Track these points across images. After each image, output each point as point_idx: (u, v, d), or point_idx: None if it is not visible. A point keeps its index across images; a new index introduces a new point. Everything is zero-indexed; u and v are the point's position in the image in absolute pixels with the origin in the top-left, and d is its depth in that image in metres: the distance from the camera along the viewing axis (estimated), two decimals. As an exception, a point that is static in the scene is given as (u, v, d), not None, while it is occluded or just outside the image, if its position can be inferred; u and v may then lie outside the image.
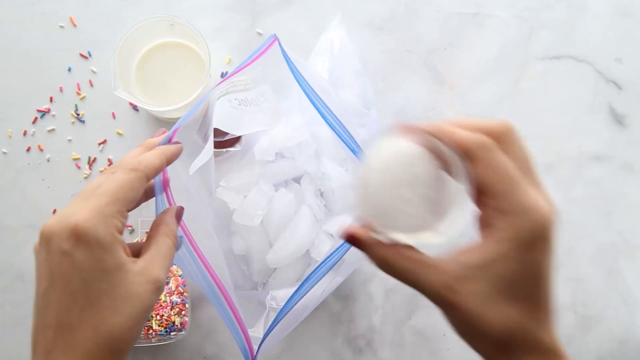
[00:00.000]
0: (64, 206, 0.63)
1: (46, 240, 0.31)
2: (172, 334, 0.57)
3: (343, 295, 0.62)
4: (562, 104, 0.66)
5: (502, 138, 0.28)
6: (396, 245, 0.30)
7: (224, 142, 0.62)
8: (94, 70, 0.63)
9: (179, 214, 0.37)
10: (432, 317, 0.62)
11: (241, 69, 0.41)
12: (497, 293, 0.28)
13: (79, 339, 0.29)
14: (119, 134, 0.63)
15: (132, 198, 0.32)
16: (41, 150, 0.62)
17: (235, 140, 0.59)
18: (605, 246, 0.65)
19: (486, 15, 0.66)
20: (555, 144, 0.66)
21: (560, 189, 0.65)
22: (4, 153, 0.62)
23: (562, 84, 0.66)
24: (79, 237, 0.30)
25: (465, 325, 0.30)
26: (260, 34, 0.65)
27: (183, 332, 0.58)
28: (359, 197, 0.29)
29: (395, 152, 0.29)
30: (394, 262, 0.31)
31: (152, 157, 0.34)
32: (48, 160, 0.62)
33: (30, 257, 0.62)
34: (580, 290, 0.64)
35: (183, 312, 0.58)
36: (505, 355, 0.29)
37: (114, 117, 0.63)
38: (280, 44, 0.42)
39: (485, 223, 0.29)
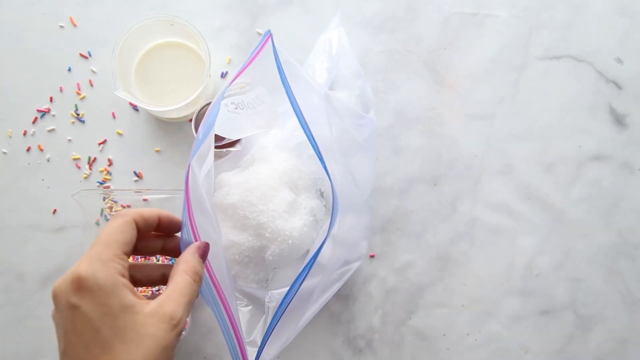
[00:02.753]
0: (63, 206, 0.63)
1: (55, 300, 0.31)
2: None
3: (343, 295, 0.62)
4: (562, 104, 0.66)
5: None
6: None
7: (224, 143, 0.62)
8: (94, 70, 0.63)
9: (203, 251, 0.37)
10: (432, 317, 0.62)
11: (243, 70, 0.41)
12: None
13: None
14: (119, 134, 0.63)
15: (124, 240, 0.34)
16: (41, 150, 0.62)
17: (236, 141, 0.59)
18: (605, 246, 0.65)
19: (486, 15, 0.66)
20: (555, 144, 0.66)
21: (560, 189, 0.65)
22: (4, 153, 0.62)
23: (562, 84, 0.66)
24: (82, 286, 0.30)
25: None
26: (260, 34, 0.65)
27: (183, 332, 0.58)
28: None
29: None
30: None
31: (144, 210, 0.36)
32: (48, 160, 0.62)
33: (30, 257, 0.63)
34: (580, 290, 0.64)
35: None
36: None
37: (114, 117, 0.63)
38: (272, 41, 0.42)
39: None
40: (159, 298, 0.32)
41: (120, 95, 0.54)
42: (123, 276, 0.32)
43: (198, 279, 0.35)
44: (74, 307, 0.30)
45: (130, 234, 0.34)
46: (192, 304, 0.34)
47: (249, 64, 0.41)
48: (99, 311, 0.30)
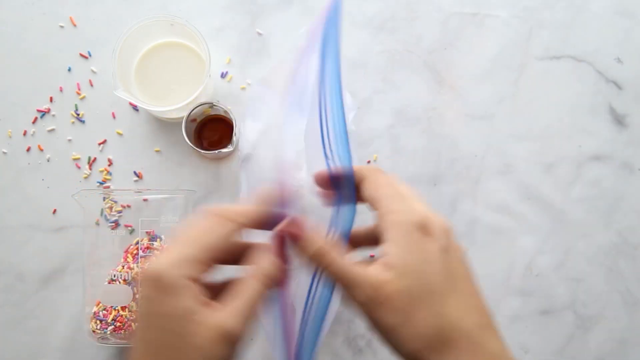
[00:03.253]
0: (63, 206, 0.63)
1: (140, 284, 0.32)
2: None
3: (343, 295, 0.62)
4: (562, 104, 0.66)
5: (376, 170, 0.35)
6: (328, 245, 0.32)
7: (215, 142, 0.62)
8: (94, 70, 0.63)
9: (281, 241, 0.34)
10: (432, 317, 0.62)
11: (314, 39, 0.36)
12: (419, 294, 0.30)
13: None
14: (119, 134, 0.63)
15: (211, 243, 0.31)
16: (41, 150, 0.62)
17: (228, 140, 0.59)
18: (605, 246, 0.65)
19: (486, 15, 0.66)
20: (555, 144, 0.66)
21: (560, 189, 0.65)
22: (4, 153, 0.62)
23: (562, 84, 0.66)
24: (155, 281, 0.29)
25: (396, 332, 0.30)
26: (260, 34, 0.65)
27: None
28: None
29: None
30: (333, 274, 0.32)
31: (246, 206, 0.33)
32: (48, 160, 0.62)
33: (30, 257, 0.63)
34: (580, 290, 0.64)
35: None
36: (437, 355, 0.29)
37: (114, 117, 0.63)
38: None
39: (383, 240, 0.32)
40: (220, 306, 0.30)
41: (120, 95, 0.54)
42: (195, 281, 0.30)
43: (269, 283, 0.32)
44: (147, 299, 0.30)
45: (221, 238, 0.32)
46: (257, 313, 0.32)
47: (321, 28, 0.36)
48: (164, 310, 0.29)
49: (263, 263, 0.33)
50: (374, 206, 0.33)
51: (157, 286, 0.29)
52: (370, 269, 0.30)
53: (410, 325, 0.29)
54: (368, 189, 0.34)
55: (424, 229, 0.31)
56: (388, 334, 0.30)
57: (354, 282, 0.30)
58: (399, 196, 0.33)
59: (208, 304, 0.30)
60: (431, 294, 0.30)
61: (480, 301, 0.31)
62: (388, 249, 0.31)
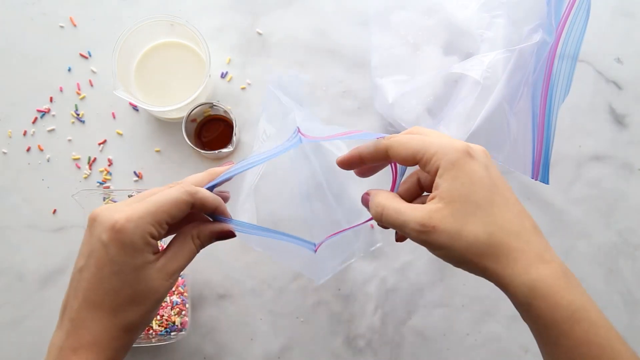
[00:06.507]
0: (63, 206, 0.63)
1: (91, 224, 0.36)
2: (172, 334, 0.57)
3: (343, 295, 0.62)
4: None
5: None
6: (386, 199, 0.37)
7: (215, 142, 0.62)
8: (94, 70, 0.63)
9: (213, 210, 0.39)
10: (432, 317, 0.62)
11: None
12: (465, 216, 0.33)
13: (100, 316, 0.35)
14: (119, 134, 0.63)
15: (174, 215, 0.36)
16: (41, 150, 0.62)
17: (228, 140, 0.59)
18: (605, 246, 0.65)
19: (486, 15, 0.66)
20: (555, 144, 0.65)
21: (560, 189, 0.65)
22: (4, 153, 0.62)
23: (562, 84, 0.66)
24: (116, 233, 0.34)
25: (450, 248, 0.34)
26: (260, 34, 0.65)
27: (183, 332, 0.58)
28: None
29: None
30: (384, 211, 0.37)
31: (209, 197, 0.38)
32: (48, 160, 0.62)
33: (30, 257, 0.63)
34: (580, 290, 0.64)
35: (183, 312, 0.58)
36: (493, 263, 0.33)
37: (114, 117, 0.63)
38: None
39: (430, 177, 0.36)
40: (167, 255, 0.37)
41: (120, 96, 0.54)
42: (154, 238, 0.36)
43: (200, 245, 0.39)
44: (103, 244, 0.34)
45: (183, 213, 0.37)
46: (189, 262, 0.39)
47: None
48: (123, 260, 0.34)
49: (201, 227, 0.39)
50: (414, 162, 0.36)
51: (119, 239, 0.34)
52: (419, 206, 0.35)
53: (462, 240, 0.33)
54: (398, 153, 0.36)
55: (467, 154, 0.34)
56: (445, 255, 0.35)
57: (404, 222, 0.35)
58: (433, 136, 0.36)
59: (157, 253, 0.37)
60: (478, 208, 0.33)
61: (522, 208, 0.35)
62: (437, 183, 0.34)
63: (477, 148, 0.35)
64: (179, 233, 0.39)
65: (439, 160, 0.34)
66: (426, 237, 0.34)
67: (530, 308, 0.32)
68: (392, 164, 0.41)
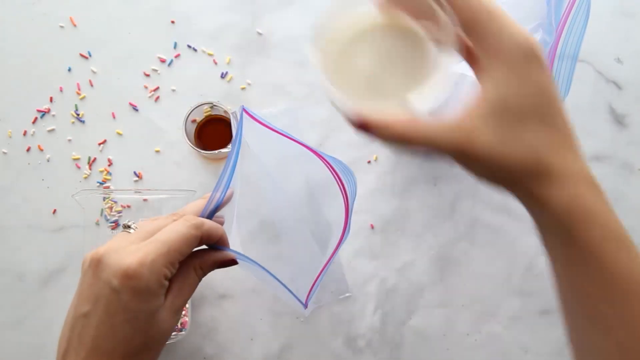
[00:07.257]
0: (63, 206, 0.63)
1: (97, 267, 0.33)
2: (172, 334, 0.57)
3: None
4: (562, 104, 0.66)
5: None
6: (405, 120, 0.29)
7: (215, 142, 0.62)
8: (94, 70, 0.63)
9: (213, 239, 0.38)
10: (432, 317, 0.62)
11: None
12: (511, 127, 0.28)
13: None
14: (118, 134, 0.63)
15: (185, 252, 0.35)
16: (41, 150, 0.62)
17: (228, 140, 0.59)
18: (605, 246, 0.65)
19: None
20: (555, 144, 0.66)
21: (560, 189, 0.65)
22: (4, 153, 0.62)
23: (562, 84, 0.66)
24: (130, 279, 0.32)
25: (489, 169, 0.30)
26: (260, 34, 0.65)
27: (183, 332, 0.58)
28: (334, 71, 0.30)
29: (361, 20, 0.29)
30: (410, 134, 0.29)
31: (214, 227, 0.37)
32: (48, 160, 0.62)
33: (30, 257, 0.63)
34: (580, 290, 0.64)
35: (183, 312, 0.58)
36: (534, 182, 0.30)
37: (114, 117, 0.63)
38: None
39: (480, 69, 0.29)
40: (173, 291, 0.36)
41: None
42: (167, 280, 0.34)
43: (202, 275, 0.38)
44: (114, 290, 0.32)
45: (192, 248, 0.36)
46: (195, 284, 0.38)
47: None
48: (137, 307, 0.33)
49: (205, 256, 0.38)
50: (471, 35, 0.29)
51: (132, 286, 0.32)
52: (451, 125, 0.29)
53: (510, 158, 0.29)
54: (465, 11, 0.28)
55: (534, 57, 0.28)
56: (479, 170, 0.30)
57: (439, 145, 0.29)
58: (499, 19, 0.28)
59: (166, 292, 0.35)
60: (530, 121, 0.29)
61: (571, 125, 0.31)
62: (490, 80, 0.29)
63: (542, 50, 0.29)
64: (180, 265, 0.37)
65: (504, 49, 0.28)
66: (465, 162, 0.29)
67: (572, 229, 0.31)
68: None
